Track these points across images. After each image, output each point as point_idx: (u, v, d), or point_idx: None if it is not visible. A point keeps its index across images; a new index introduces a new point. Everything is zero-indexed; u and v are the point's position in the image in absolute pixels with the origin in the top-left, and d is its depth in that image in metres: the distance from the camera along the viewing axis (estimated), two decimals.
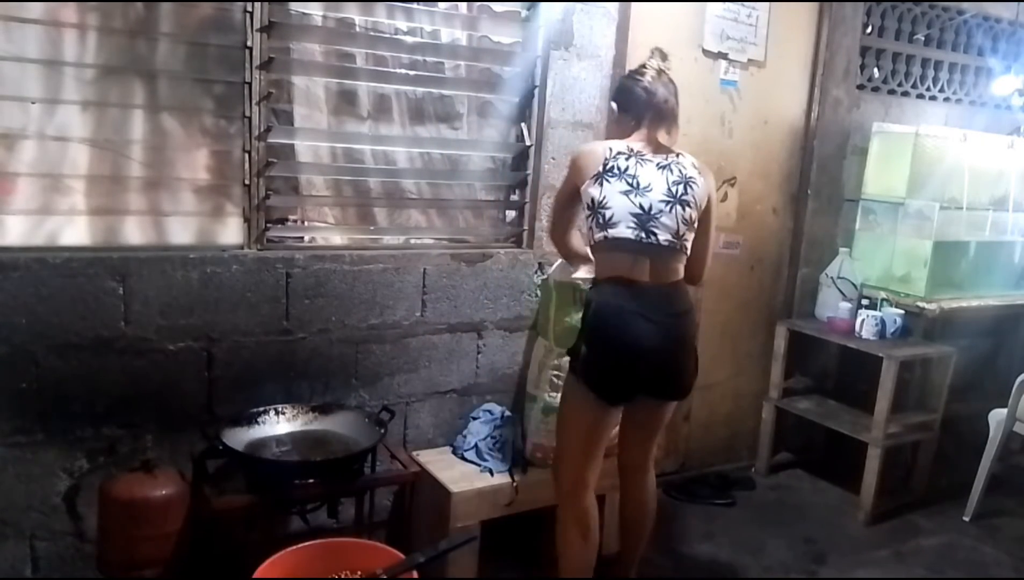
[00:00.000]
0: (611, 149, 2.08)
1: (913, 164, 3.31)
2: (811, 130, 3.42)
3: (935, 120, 3.70)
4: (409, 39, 2.49)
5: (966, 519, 3.20)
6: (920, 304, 3.29)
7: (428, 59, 2.53)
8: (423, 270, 2.56)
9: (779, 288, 3.55)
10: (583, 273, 2.32)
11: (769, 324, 3.49)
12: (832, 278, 3.39)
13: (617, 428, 2.29)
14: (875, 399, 3.08)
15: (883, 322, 3.17)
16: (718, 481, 3.34)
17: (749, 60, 3.17)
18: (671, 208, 2.04)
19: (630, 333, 2.02)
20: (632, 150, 2.08)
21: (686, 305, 2.12)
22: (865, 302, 3.35)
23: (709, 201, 2.13)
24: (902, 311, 3.25)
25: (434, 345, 2.63)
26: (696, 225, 2.11)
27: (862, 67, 3.50)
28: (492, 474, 2.44)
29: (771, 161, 3.38)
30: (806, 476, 3.55)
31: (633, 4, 2.81)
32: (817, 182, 3.46)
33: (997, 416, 3.16)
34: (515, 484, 2.42)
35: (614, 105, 2.19)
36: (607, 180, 2.04)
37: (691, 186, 2.08)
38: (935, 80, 3.74)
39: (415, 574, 1.82)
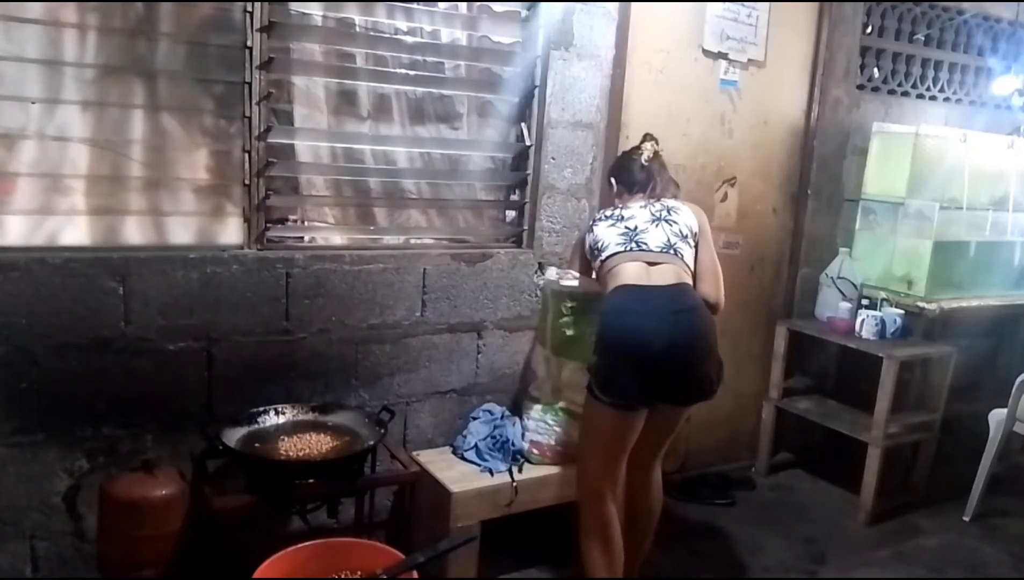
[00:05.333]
0: (599, 213, 2.40)
1: (913, 164, 3.31)
2: (811, 130, 3.42)
3: (935, 120, 3.70)
4: (409, 39, 2.49)
5: (966, 519, 3.20)
6: (920, 304, 3.29)
7: (428, 59, 2.53)
8: (423, 270, 2.56)
9: (779, 288, 3.55)
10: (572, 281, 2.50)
11: (769, 324, 3.49)
12: (832, 278, 3.39)
13: None
14: (875, 399, 3.08)
15: (883, 322, 3.17)
16: (718, 481, 3.34)
17: (749, 60, 3.17)
18: (656, 225, 2.24)
19: (634, 331, 2.07)
20: (617, 207, 2.35)
21: (691, 302, 2.15)
22: (865, 302, 3.35)
23: (701, 226, 2.31)
24: (902, 311, 3.25)
25: (434, 345, 2.63)
26: (691, 242, 2.26)
27: (862, 67, 3.51)
28: (492, 474, 2.44)
29: (771, 161, 3.38)
30: (806, 476, 3.55)
31: (633, 4, 2.81)
32: (817, 182, 3.46)
33: (997, 416, 3.16)
34: (515, 484, 2.43)
35: (612, 181, 2.44)
36: (596, 226, 2.31)
37: (673, 211, 2.28)
38: (935, 80, 3.74)
39: (415, 574, 1.82)
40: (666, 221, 2.25)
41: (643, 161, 2.38)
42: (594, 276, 2.35)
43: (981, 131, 3.57)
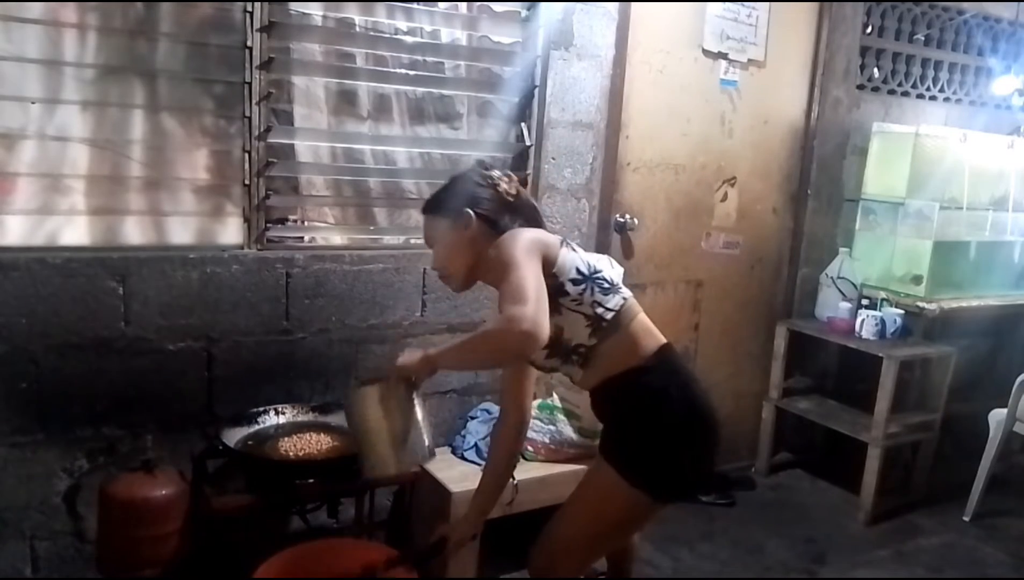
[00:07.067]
0: (550, 234, 1.75)
1: (913, 164, 3.31)
2: (811, 130, 3.42)
3: (935, 120, 3.70)
4: (409, 39, 2.49)
5: (966, 519, 3.20)
6: (920, 304, 3.29)
7: (428, 59, 2.53)
8: (423, 270, 2.56)
9: (779, 288, 3.55)
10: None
11: (769, 324, 3.49)
12: (832, 278, 3.39)
13: None
14: (875, 399, 3.07)
15: (883, 322, 3.17)
16: (718, 481, 3.34)
17: (749, 60, 3.17)
18: None
19: (714, 409, 1.74)
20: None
21: None
22: (865, 302, 3.35)
23: None
24: (902, 311, 3.25)
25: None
26: None
27: (862, 67, 3.50)
28: None
29: (771, 161, 3.38)
30: (806, 476, 3.55)
31: (633, 4, 2.81)
32: (817, 182, 3.46)
33: (997, 416, 3.16)
34: (515, 484, 2.42)
35: (475, 212, 1.72)
36: (574, 246, 1.74)
37: None
38: (935, 80, 3.74)
39: (415, 574, 1.82)
40: None
41: (519, 190, 1.80)
42: (597, 312, 1.67)
43: (981, 131, 3.56)
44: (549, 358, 1.73)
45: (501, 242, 1.63)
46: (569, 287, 1.64)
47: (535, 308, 1.47)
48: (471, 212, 1.73)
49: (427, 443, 1.64)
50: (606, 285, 1.68)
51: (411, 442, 1.60)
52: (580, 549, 1.80)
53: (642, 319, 1.73)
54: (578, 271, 1.66)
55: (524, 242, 1.60)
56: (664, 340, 1.74)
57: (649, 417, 1.68)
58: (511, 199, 1.76)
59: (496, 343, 1.53)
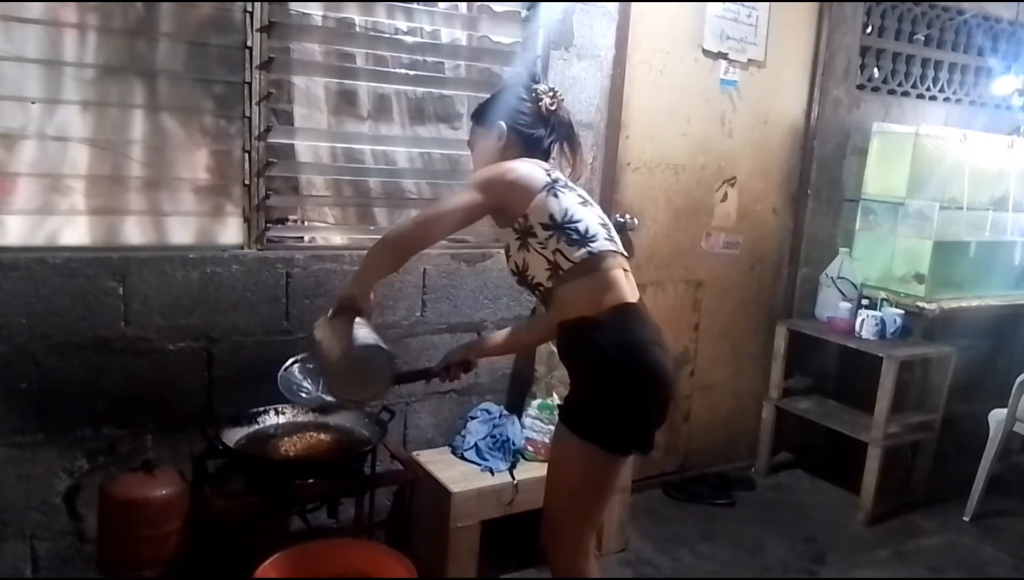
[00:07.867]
0: (541, 165, 1.82)
1: (913, 164, 3.31)
2: (811, 130, 3.42)
3: (935, 120, 3.70)
4: (409, 39, 2.49)
5: (966, 519, 3.20)
6: (920, 304, 3.29)
7: (428, 59, 2.53)
8: (423, 270, 2.56)
9: (779, 288, 3.55)
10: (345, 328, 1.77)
11: (769, 324, 3.49)
12: (832, 278, 3.39)
13: None
14: (875, 399, 3.08)
15: (883, 322, 3.17)
16: (718, 481, 3.34)
17: (749, 60, 3.17)
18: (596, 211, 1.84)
19: (665, 372, 1.73)
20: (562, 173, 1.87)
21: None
22: (865, 302, 3.35)
23: None
24: (902, 311, 3.25)
25: (434, 345, 2.62)
26: None
27: (862, 67, 3.51)
28: (492, 474, 2.44)
29: (771, 161, 3.38)
30: (806, 476, 3.55)
31: (633, 4, 2.81)
32: (817, 182, 3.46)
33: (997, 416, 3.16)
34: (515, 483, 2.43)
35: (508, 125, 1.83)
36: (560, 192, 1.74)
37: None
38: (935, 80, 3.74)
39: (414, 572, 1.82)
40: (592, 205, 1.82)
41: (558, 106, 1.88)
42: (556, 259, 1.72)
43: (981, 131, 3.57)
44: (520, 285, 1.87)
45: (483, 169, 1.81)
46: (538, 230, 1.73)
47: (399, 232, 1.77)
48: (504, 124, 1.84)
49: (377, 341, 1.79)
50: (575, 237, 1.72)
51: (359, 340, 1.75)
52: (566, 516, 1.84)
53: (610, 274, 1.73)
54: (551, 218, 1.72)
55: (489, 178, 1.76)
56: (629, 299, 1.74)
57: (589, 371, 1.73)
58: (549, 114, 1.86)
59: (371, 252, 1.77)
